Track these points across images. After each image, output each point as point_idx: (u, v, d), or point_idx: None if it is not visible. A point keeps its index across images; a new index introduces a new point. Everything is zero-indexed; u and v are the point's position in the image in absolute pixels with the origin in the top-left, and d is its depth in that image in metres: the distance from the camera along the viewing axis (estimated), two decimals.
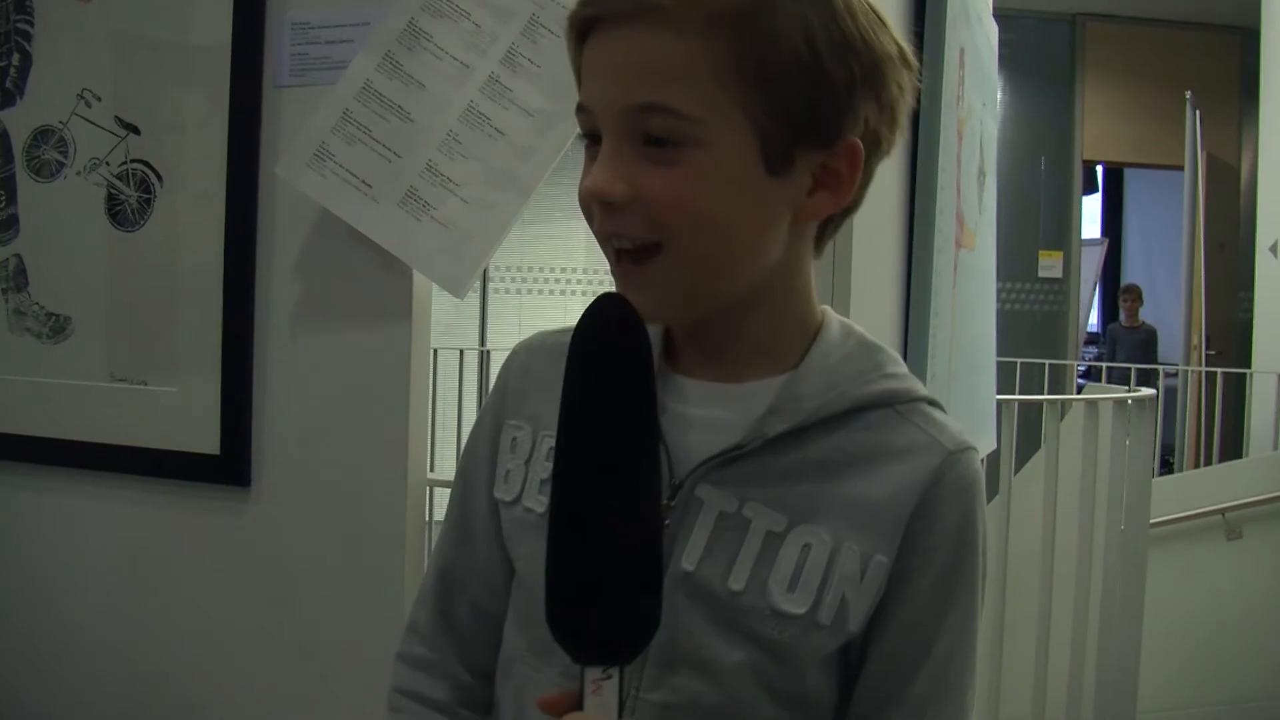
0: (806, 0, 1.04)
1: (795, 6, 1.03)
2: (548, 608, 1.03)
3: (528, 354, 1.28)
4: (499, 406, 1.26)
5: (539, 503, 1.18)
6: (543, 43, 1.78)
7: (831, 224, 1.17)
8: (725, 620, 1.10)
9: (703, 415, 1.14)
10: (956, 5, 2.27)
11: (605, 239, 1.08)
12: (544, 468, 1.18)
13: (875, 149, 1.11)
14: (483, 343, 8.23)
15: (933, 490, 1.11)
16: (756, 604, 1.09)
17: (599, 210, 1.06)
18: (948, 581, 1.12)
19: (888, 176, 2.07)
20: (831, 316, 1.19)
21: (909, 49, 1.12)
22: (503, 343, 7.98)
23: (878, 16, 1.09)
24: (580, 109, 1.09)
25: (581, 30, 1.09)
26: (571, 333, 1.11)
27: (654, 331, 1.15)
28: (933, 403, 1.18)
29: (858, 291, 1.78)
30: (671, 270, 1.06)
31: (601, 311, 1.07)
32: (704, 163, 1.03)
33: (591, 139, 1.09)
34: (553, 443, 1.10)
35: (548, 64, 1.78)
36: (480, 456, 1.27)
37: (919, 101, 2.02)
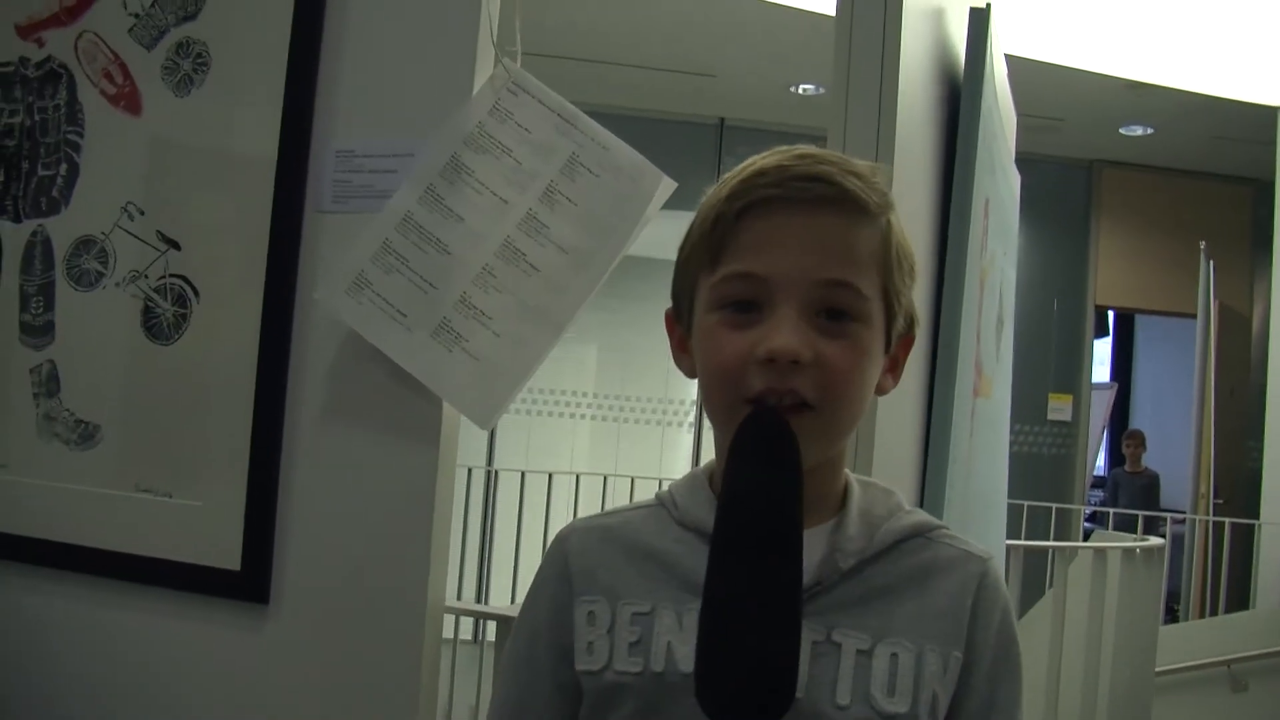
0: (894, 214, 1.28)
1: (894, 220, 1.28)
2: (697, 673, 1.11)
3: (580, 538, 1.37)
4: (564, 589, 1.33)
5: (632, 664, 1.26)
6: (581, 181, 1.82)
7: None
8: None
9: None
10: (984, 156, 2.31)
11: (772, 394, 1.20)
12: (630, 632, 1.27)
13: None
14: (490, 462, 8.22)
15: (980, 593, 1.28)
16: (864, 713, 1.22)
17: (781, 368, 1.18)
18: (997, 671, 1.28)
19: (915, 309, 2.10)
20: (849, 474, 1.36)
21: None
22: (510, 463, 7.97)
23: None
24: (744, 276, 1.22)
25: (752, 207, 1.23)
26: (614, 515, 1.37)
27: (707, 499, 1.30)
28: (945, 527, 1.35)
29: (880, 443, 1.81)
30: (816, 427, 1.21)
31: (769, 420, 1.19)
32: (866, 339, 1.23)
33: (740, 306, 1.23)
34: (634, 610, 1.27)
35: (585, 203, 1.82)
36: (543, 643, 1.34)
37: (944, 253, 2.06)
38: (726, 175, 1.28)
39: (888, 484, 1.39)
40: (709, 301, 1.26)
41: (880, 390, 1.31)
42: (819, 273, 1.21)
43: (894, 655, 1.23)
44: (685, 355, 1.34)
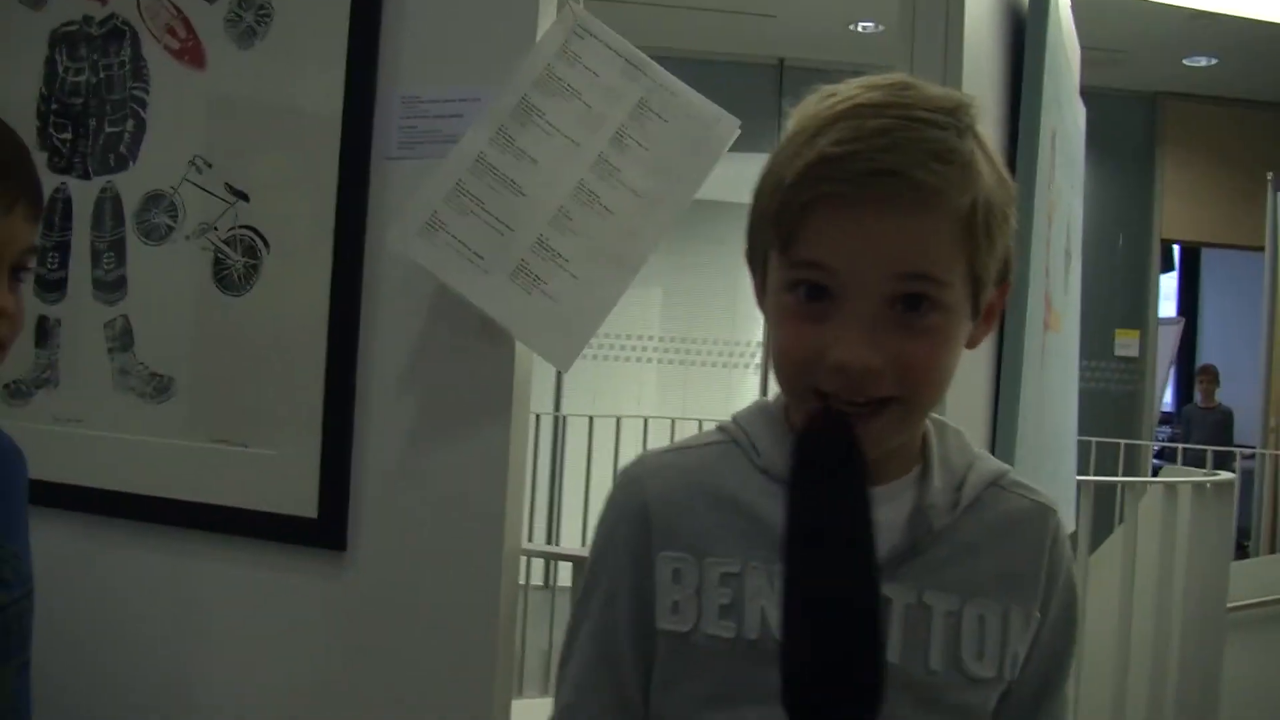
0: (992, 160, 1.19)
1: (990, 169, 1.18)
2: (785, 684, 1.03)
3: (659, 480, 1.31)
4: (643, 540, 1.28)
5: (724, 628, 1.22)
6: (650, 126, 1.82)
7: None
8: (929, 701, 1.21)
9: None
10: (1050, 89, 2.29)
11: (839, 399, 1.14)
12: (720, 594, 1.23)
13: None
14: (557, 408, 8.26)
15: (1054, 548, 1.29)
16: (955, 680, 1.22)
17: (851, 377, 1.12)
18: (1062, 627, 1.30)
19: None
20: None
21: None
22: (577, 408, 8.00)
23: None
24: (815, 266, 1.14)
25: (819, 200, 1.13)
26: (689, 452, 1.33)
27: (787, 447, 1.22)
28: (1009, 471, 1.33)
29: (953, 380, 1.80)
30: (901, 419, 1.17)
31: (831, 434, 1.13)
32: (946, 327, 1.16)
33: (813, 293, 1.15)
34: (723, 570, 1.22)
35: (655, 147, 1.82)
36: (624, 590, 1.29)
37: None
38: (796, 129, 1.18)
39: (954, 423, 1.34)
40: (781, 280, 1.18)
41: (972, 344, 1.24)
42: (894, 267, 1.12)
43: (981, 617, 1.23)
44: (763, 298, 1.26)
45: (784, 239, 1.16)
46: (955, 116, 1.16)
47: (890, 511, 1.20)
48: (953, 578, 1.23)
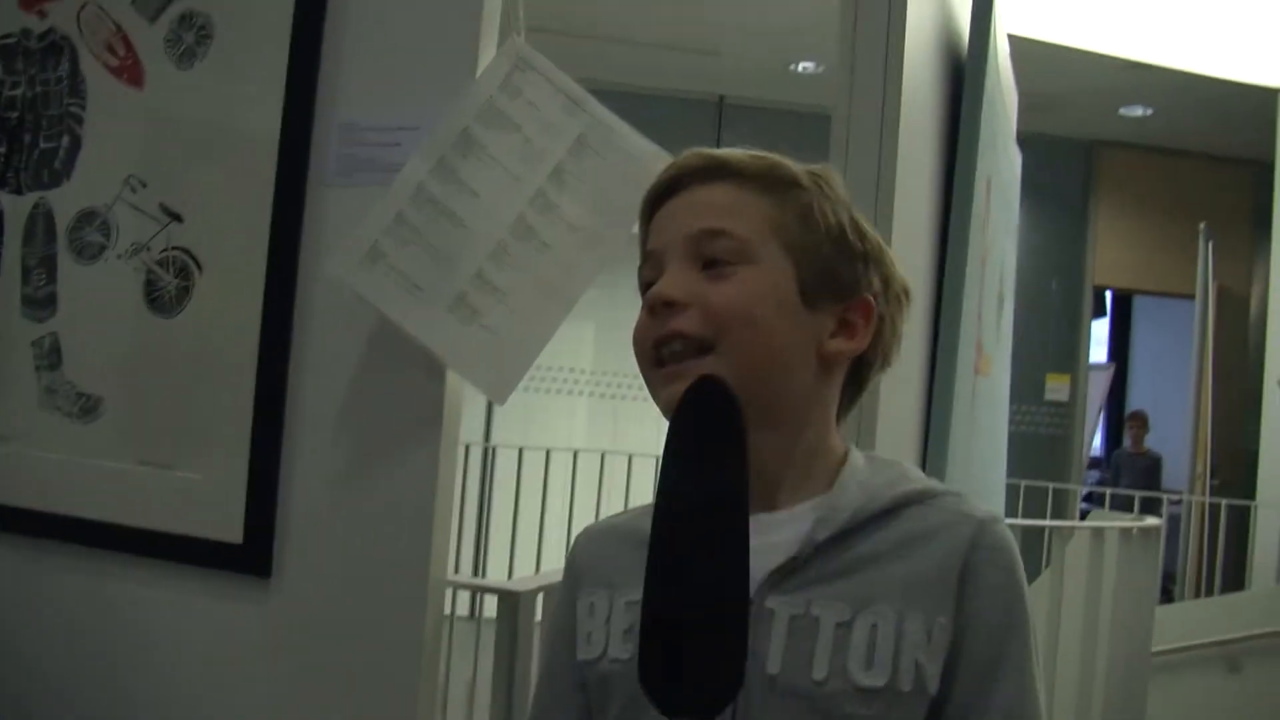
0: (835, 200, 1.34)
1: (826, 201, 1.33)
2: (641, 662, 1.07)
3: (589, 538, 1.43)
4: (571, 587, 1.40)
5: (624, 650, 1.28)
6: (589, 162, 1.82)
7: (862, 376, 1.38)
8: (817, 712, 1.20)
9: (754, 543, 1.18)
10: (986, 134, 2.31)
11: (657, 346, 1.27)
12: (624, 619, 1.30)
13: (882, 315, 1.34)
14: (487, 439, 8.23)
15: (972, 554, 1.24)
16: (841, 688, 1.20)
17: (661, 313, 1.27)
18: (999, 636, 1.24)
19: (914, 304, 2.10)
20: (854, 449, 1.35)
21: (909, 286, 1.40)
22: (507, 440, 7.98)
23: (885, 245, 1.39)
24: (647, 258, 1.33)
25: (655, 200, 1.36)
26: (625, 514, 1.43)
27: None
28: (957, 495, 1.32)
29: (883, 419, 1.81)
30: (719, 367, 1.21)
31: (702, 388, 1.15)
32: (755, 277, 1.27)
33: (648, 288, 1.30)
34: (628, 599, 1.28)
35: (593, 183, 1.82)
36: (559, 633, 1.40)
37: (947, 232, 2.07)
38: None
39: (897, 458, 1.38)
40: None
41: (834, 353, 1.31)
42: (692, 227, 1.28)
43: (874, 626, 1.21)
44: None
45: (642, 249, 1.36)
46: (810, 170, 1.35)
47: (783, 534, 1.25)
48: (846, 588, 1.22)
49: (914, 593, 1.22)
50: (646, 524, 1.28)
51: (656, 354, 1.28)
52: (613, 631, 1.30)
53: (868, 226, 1.36)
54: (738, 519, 1.07)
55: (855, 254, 1.32)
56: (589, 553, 1.40)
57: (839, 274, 1.31)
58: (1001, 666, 1.24)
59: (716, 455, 1.10)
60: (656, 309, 1.27)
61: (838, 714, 1.20)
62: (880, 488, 1.28)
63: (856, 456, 1.34)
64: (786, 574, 1.23)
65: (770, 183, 1.31)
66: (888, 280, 1.35)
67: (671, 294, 1.25)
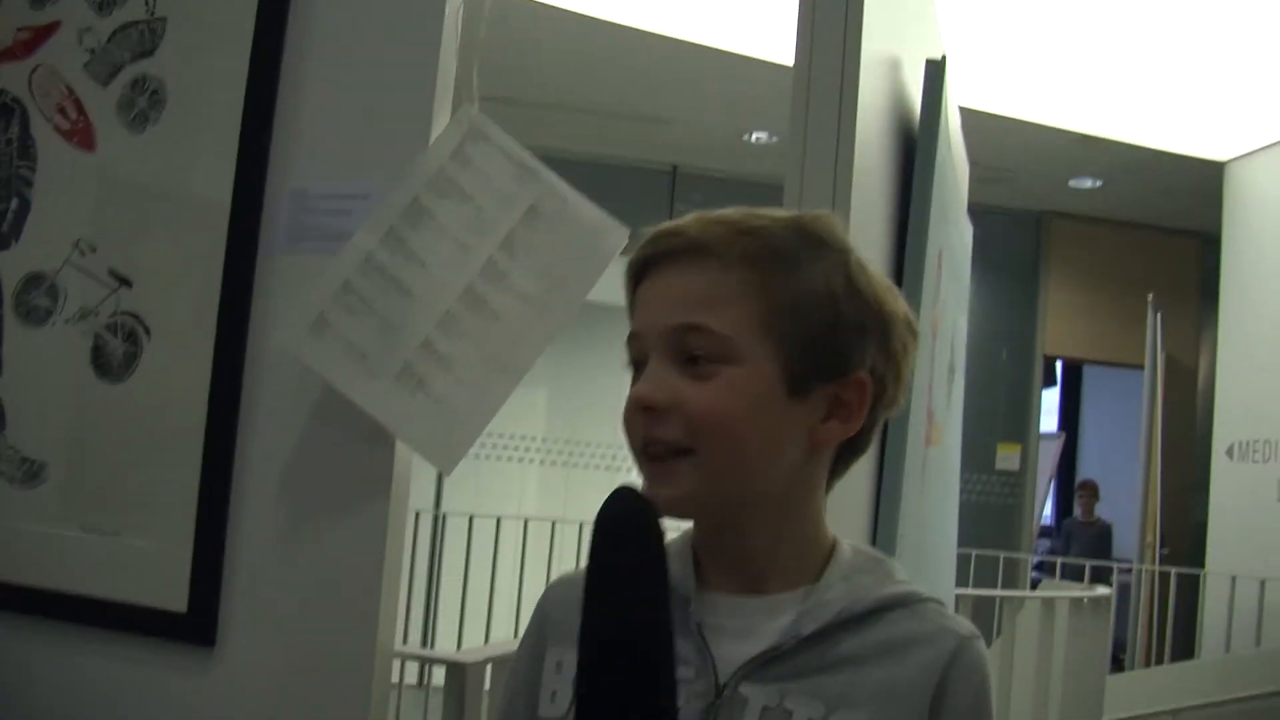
0: (828, 259, 1.26)
1: (818, 263, 1.26)
2: None
3: (562, 589, 1.39)
4: (538, 639, 1.37)
5: None
6: (540, 232, 1.82)
7: (842, 462, 1.34)
8: None
9: (736, 625, 1.25)
10: (938, 206, 2.33)
11: (643, 446, 1.25)
12: None
13: (881, 393, 1.30)
14: (437, 506, 8.18)
15: (949, 670, 1.23)
16: None
17: (642, 417, 1.24)
18: None
19: None
20: (842, 540, 1.33)
21: (914, 318, 1.34)
22: (458, 507, 7.93)
23: (887, 284, 1.32)
24: (632, 337, 1.29)
25: (639, 272, 1.30)
26: None
27: (683, 555, 1.31)
28: (938, 602, 1.31)
29: (835, 489, 1.80)
30: (697, 471, 1.22)
31: (619, 502, 1.21)
32: (735, 378, 1.22)
33: (636, 366, 1.28)
34: None
35: (544, 253, 1.82)
36: (521, 682, 1.37)
37: None
38: None
39: (882, 554, 1.37)
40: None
41: (825, 438, 1.28)
42: (671, 320, 1.24)
43: None
44: None
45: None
46: (794, 223, 1.29)
47: (765, 619, 1.25)
48: (823, 686, 1.21)
49: (889, 702, 1.21)
50: None
51: (642, 446, 1.26)
52: None
53: (864, 280, 1.28)
54: (659, 657, 1.13)
55: (850, 326, 1.26)
56: (561, 605, 1.35)
57: (831, 352, 1.25)
58: None
59: (633, 587, 1.16)
60: (640, 411, 1.25)
61: None
62: (867, 586, 1.27)
63: (844, 549, 1.32)
64: (764, 663, 1.22)
65: (755, 261, 1.24)
66: (886, 336, 1.28)
67: (652, 398, 1.23)
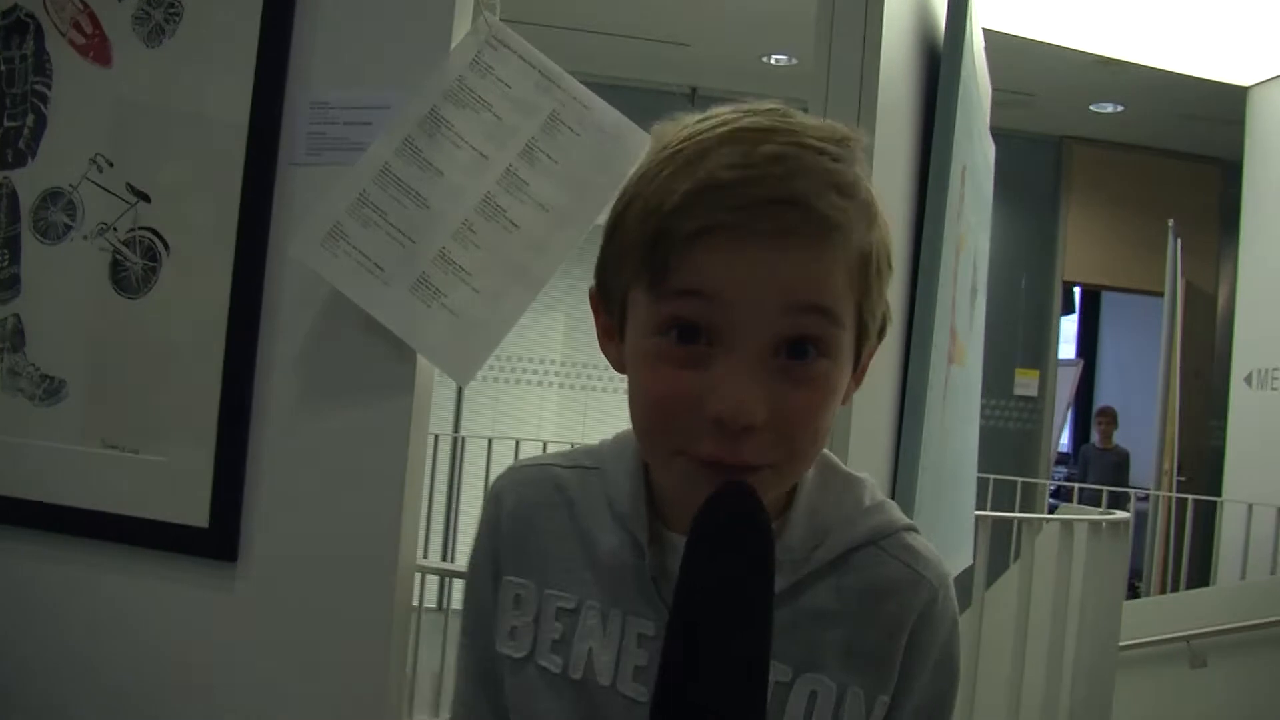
0: (878, 218, 1.09)
1: (877, 226, 1.09)
2: None
3: (515, 495, 1.27)
4: (494, 556, 1.26)
5: (553, 662, 1.19)
6: (561, 139, 1.80)
7: None
8: None
9: None
10: (962, 123, 2.30)
11: (718, 464, 1.03)
12: (554, 629, 1.19)
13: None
14: (456, 429, 8.20)
15: (920, 625, 1.16)
16: None
17: (732, 434, 1.01)
18: (929, 709, 1.17)
19: (890, 290, 2.09)
20: None
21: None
22: (477, 430, 7.95)
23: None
24: (695, 294, 1.02)
25: (706, 232, 1.02)
26: (554, 463, 1.27)
27: (635, 494, 1.19)
28: (910, 528, 1.21)
29: (858, 408, 1.79)
30: (776, 482, 1.08)
31: (742, 502, 1.01)
32: (832, 376, 1.05)
33: (686, 335, 1.03)
34: (560, 604, 1.19)
35: (565, 160, 1.80)
36: (486, 605, 1.26)
37: (923, 219, 2.05)
38: (671, 151, 1.07)
39: (856, 470, 1.25)
40: (647, 323, 1.06)
41: (845, 399, 1.12)
42: (788, 299, 1.01)
43: (813, 694, 1.13)
44: (613, 346, 1.16)
45: (658, 271, 1.04)
46: (846, 148, 1.07)
47: None
48: (789, 647, 1.12)
49: (856, 663, 1.14)
50: (579, 502, 1.23)
51: (697, 450, 1.03)
52: (541, 636, 1.20)
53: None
54: (764, 601, 0.98)
55: (886, 284, 1.12)
56: (516, 519, 1.25)
57: (882, 320, 1.13)
58: None
59: (741, 548, 0.99)
60: (732, 429, 1.01)
61: None
62: (832, 527, 1.17)
63: (807, 473, 1.18)
64: None
65: (859, 227, 1.06)
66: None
67: (759, 418, 1.01)
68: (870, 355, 1.14)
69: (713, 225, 1.01)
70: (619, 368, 1.16)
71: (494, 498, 1.28)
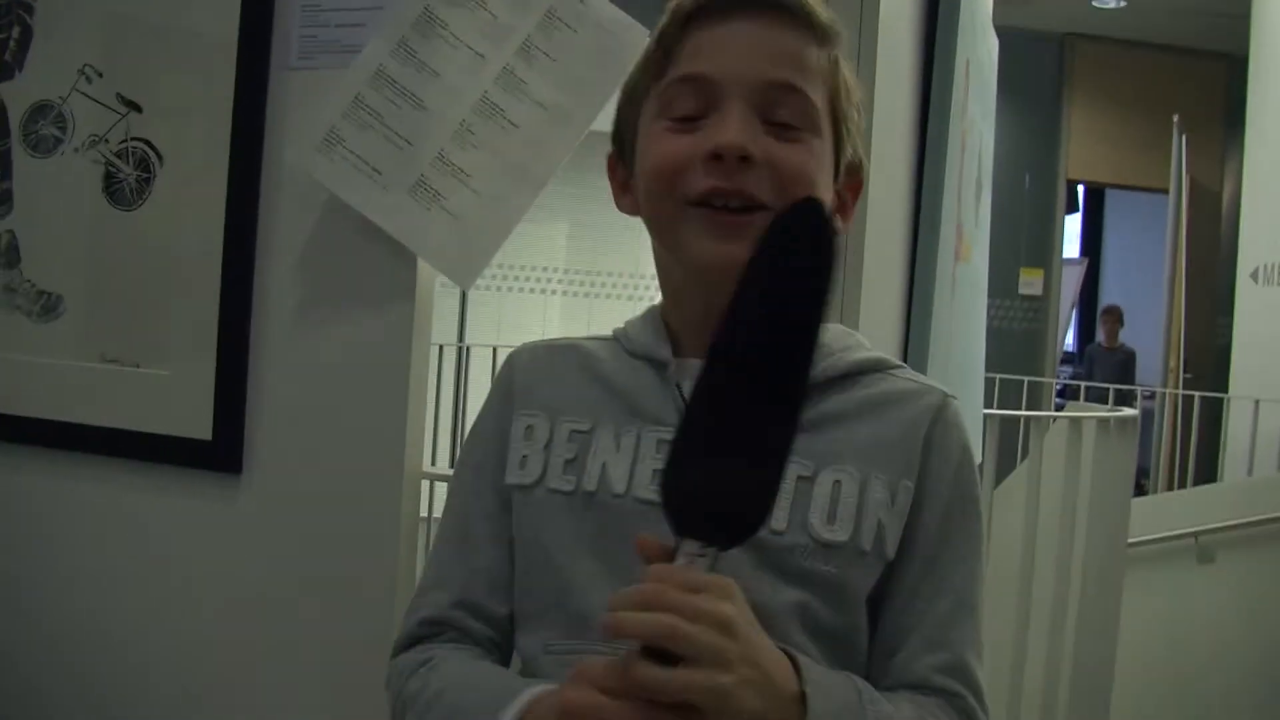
0: (841, 64, 1.27)
1: (844, 67, 1.27)
2: (666, 473, 1.04)
3: (529, 354, 1.37)
4: (503, 404, 1.34)
5: (565, 482, 1.24)
6: (558, 37, 1.76)
7: None
8: (774, 563, 1.17)
9: None
10: (965, 16, 2.26)
11: (717, 196, 1.17)
12: (566, 449, 1.26)
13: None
14: (461, 339, 8.19)
15: (936, 426, 1.24)
16: (800, 540, 1.18)
17: (729, 166, 1.16)
18: (954, 509, 1.23)
19: (896, 184, 2.07)
20: None
21: None
22: (481, 339, 7.94)
23: None
24: (695, 80, 1.20)
25: (705, 11, 1.21)
26: (564, 339, 1.37)
27: (655, 323, 1.30)
28: (903, 366, 1.32)
29: (866, 297, 1.78)
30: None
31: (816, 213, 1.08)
32: (818, 148, 1.21)
33: (686, 117, 1.20)
34: (573, 428, 1.26)
35: (563, 58, 1.76)
36: (481, 463, 1.33)
37: (927, 111, 2.02)
38: None
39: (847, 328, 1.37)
40: (654, 110, 1.24)
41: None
42: (769, 74, 1.19)
43: (837, 482, 1.19)
44: (627, 196, 1.33)
45: (661, 64, 1.23)
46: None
47: None
48: (809, 445, 1.18)
49: (879, 454, 1.21)
50: (594, 356, 1.31)
51: (696, 188, 1.18)
52: (552, 460, 1.26)
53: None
54: (815, 323, 1.04)
55: (859, 124, 1.29)
56: (529, 371, 1.34)
57: (854, 148, 1.28)
58: (953, 544, 1.23)
59: (811, 263, 1.05)
60: (727, 158, 1.16)
61: (792, 567, 1.18)
62: (839, 351, 1.27)
63: None
64: None
65: (832, 40, 1.25)
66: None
67: (752, 149, 1.16)
68: (853, 192, 1.30)
69: (698, 10, 1.21)
70: (633, 212, 1.32)
71: (507, 362, 1.38)
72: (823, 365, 1.23)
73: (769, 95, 1.19)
